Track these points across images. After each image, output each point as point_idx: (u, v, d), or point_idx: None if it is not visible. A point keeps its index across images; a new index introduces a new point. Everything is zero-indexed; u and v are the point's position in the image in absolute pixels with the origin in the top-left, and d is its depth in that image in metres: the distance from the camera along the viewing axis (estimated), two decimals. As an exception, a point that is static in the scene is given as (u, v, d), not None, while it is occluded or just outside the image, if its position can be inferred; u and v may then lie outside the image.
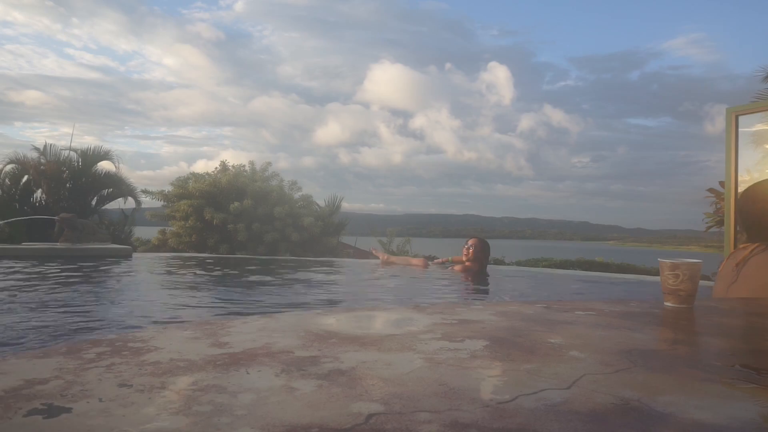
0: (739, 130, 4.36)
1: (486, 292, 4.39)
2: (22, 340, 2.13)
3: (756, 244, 2.01)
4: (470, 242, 5.20)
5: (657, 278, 6.39)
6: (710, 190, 8.67)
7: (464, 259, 5.15)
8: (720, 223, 7.46)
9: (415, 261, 6.22)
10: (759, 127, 4.42)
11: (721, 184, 6.62)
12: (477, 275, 5.01)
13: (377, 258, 6.14)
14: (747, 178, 4.24)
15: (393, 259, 6.27)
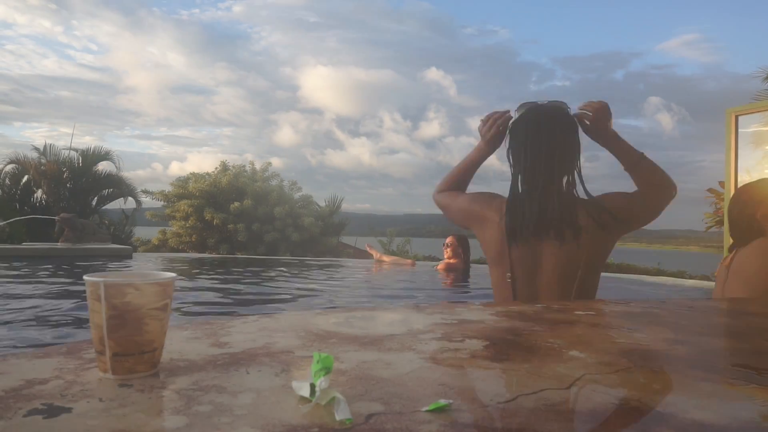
0: (739, 130, 4.36)
1: (484, 291, 4.40)
2: (22, 340, 2.14)
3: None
4: (447, 240, 5.24)
5: (660, 280, 6.37)
6: (710, 190, 8.69)
7: (446, 257, 5.22)
8: (720, 223, 7.46)
9: (404, 261, 6.51)
10: (758, 127, 4.43)
11: (721, 184, 6.62)
12: (461, 272, 5.05)
13: (372, 255, 6.40)
14: (747, 178, 4.24)
15: (385, 257, 6.55)
